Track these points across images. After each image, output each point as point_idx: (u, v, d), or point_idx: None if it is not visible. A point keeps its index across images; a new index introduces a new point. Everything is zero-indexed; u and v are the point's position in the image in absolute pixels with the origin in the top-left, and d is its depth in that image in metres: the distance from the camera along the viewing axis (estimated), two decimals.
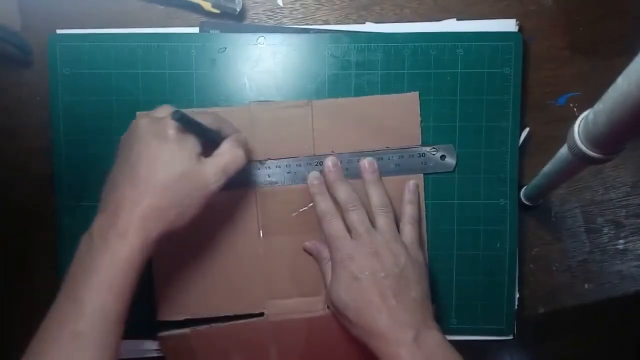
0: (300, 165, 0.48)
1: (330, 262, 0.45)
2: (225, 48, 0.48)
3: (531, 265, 0.51)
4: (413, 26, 0.49)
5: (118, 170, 0.40)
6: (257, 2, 0.51)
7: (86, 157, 0.48)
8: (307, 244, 0.48)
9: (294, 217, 0.48)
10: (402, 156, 0.48)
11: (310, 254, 0.48)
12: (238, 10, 0.49)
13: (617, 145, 0.31)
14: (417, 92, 0.48)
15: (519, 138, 0.49)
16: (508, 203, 0.49)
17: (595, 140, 0.31)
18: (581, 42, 0.51)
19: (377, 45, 0.48)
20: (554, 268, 0.51)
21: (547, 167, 0.41)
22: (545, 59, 0.50)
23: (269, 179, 0.48)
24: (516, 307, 0.49)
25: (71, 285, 0.37)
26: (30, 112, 0.50)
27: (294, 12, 0.51)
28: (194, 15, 0.50)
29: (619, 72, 0.26)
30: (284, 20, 0.51)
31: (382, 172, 0.48)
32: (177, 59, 0.48)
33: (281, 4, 0.51)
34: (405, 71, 0.48)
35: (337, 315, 0.44)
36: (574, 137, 0.32)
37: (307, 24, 0.51)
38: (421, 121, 0.48)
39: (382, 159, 0.48)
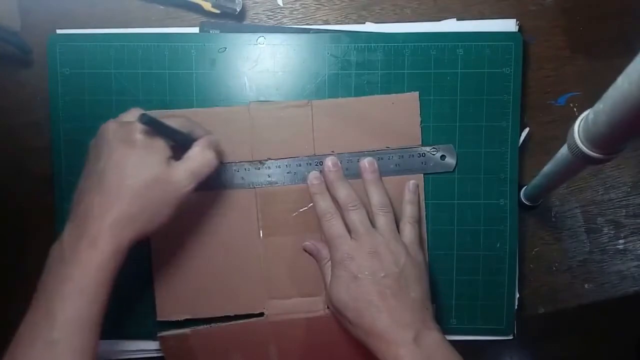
0: (300, 165, 0.48)
1: (330, 262, 0.45)
2: (225, 48, 0.48)
3: (531, 265, 0.51)
4: (413, 26, 0.49)
5: (86, 178, 0.39)
6: (257, 2, 0.51)
7: None
8: (307, 244, 0.48)
9: (294, 217, 0.48)
10: (402, 156, 0.48)
11: (310, 254, 0.48)
12: (238, 10, 0.49)
13: (617, 145, 0.31)
14: (417, 92, 0.48)
15: (519, 138, 0.49)
16: (508, 203, 0.49)
17: (595, 140, 0.31)
18: (581, 42, 0.51)
19: (377, 45, 0.48)
20: (554, 268, 0.51)
21: (547, 167, 0.41)
22: (545, 59, 0.50)
23: (269, 179, 0.48)
24: (516, 307, 0.49)
25: (43, 295, 0.37)
26: (30, 112, 0.50)
27: (294, 12, 0.51)
28: (194, 15, 0.50)
29: (619, 72, 0.26)
30: (284, 20, 0.51)
31: (382, 172, 0.48)
32: (177, 59, 0.48)
33: (281, 4, 0.51)
34: (405, 71, 0.48)
35: (337, 315, 0.44)
36: (574, 137, 0.32)
37: (307, 24, 0.51)
38: (421, 121, 0.48)
39: (382, 159, 0.48)
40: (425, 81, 0.48)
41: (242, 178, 0.48)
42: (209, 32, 0.49)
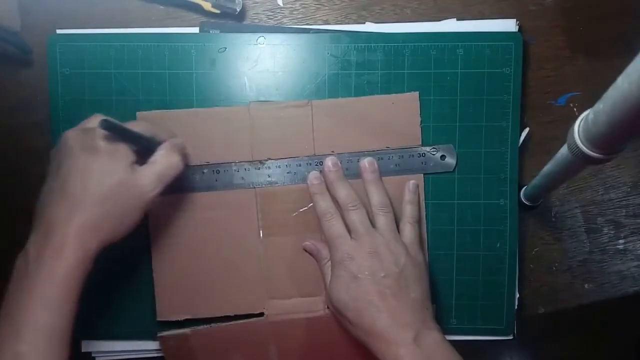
0: (300, 165, 0.48)
1: (330, 262, 0.45)
2: (225, 48, 0.48)
3: (531, 265, 0.51)
4: (413, 26, 0.49)
5: (50, 187, 0.39)
6: (257, 2, 0.51)
7: None
8: (307, 243, 0.48)
9: (294, 217, 0.48)
10: (402, 156, 0.48)
11: (310, 253, 0.48)
12: (238, 10, 0.49)
13: (617, 145, 0.31)
14: (417, 92, 0.48)
15: (519, 138, 0.49)
16: (508, 203, 0.49)
17: (595, 140, 0.31)
18: (581, 42, 0.51)
19: (377, 45, 0.48)
20: (554, 268, 0.51)
21: (547, 167, 0.41)
22: (545, 59, 0.50)
23: (269, 179, 0.48)
24: (516, 307, 0.49)
25: (8, 305, 0.36)
26: (30, 112, 0.50)
27: (294, 12, 0.51)
28: (194, 15, 0.50)
29: (619, 72, 0.26)
30: (284, 20, 0.51)
31: (382, 172, 0.48)
32: (177, 59, 0.48)
33: (281, 4, 0.51)
34: (405, 71, 0.48)
35: (337, 315, 0.44)
36: (574, 137, 0.32)
37: (307, 24, 0.51)
38: (421, 121, 0.48)
39: (382, 159, 0.48)
40: (425, 81, 0.48)
41: (242, 178, 0.48)
42: (209, 32, 0.49)
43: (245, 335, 0.48)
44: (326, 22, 0.51)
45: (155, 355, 0.49)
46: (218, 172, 0.48)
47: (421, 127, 0.48)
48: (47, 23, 0.49)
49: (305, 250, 0.48)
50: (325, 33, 0.49)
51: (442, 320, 0.49)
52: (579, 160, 0.33)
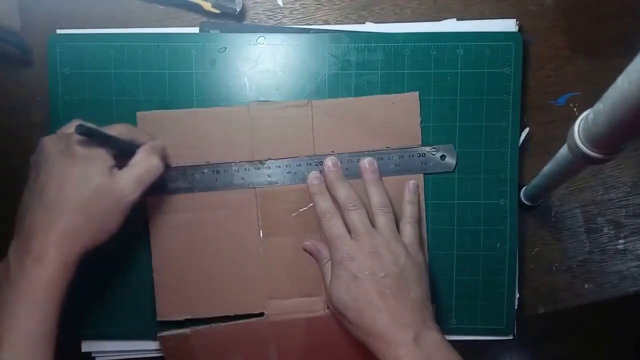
0: (300, 165, 0.48)
1: (330, 262, 0.45)
2: (225, 48, 0.48)
3: (531, 265, 0.51)
4: (413, 26, 0.49)
5: (29, 193, 0.39)
6: (257, 2, 0.51)
7: None
8: (307, 243, 0.48)
9: (294, 217, 0.48)
10: (402, 156, 0.48)
11: (310, 253, 0.48)
12: (238, 10, 0.49)
13: (617, 145, 0.31)
14: (417, 92, 0.48)
15: (519, 138, 0.49)
16: (508, 203, 0.49)
17: (595, 140, 0.31)
18: (581, 42, 0.51)
19: (377, 45, 0.48)
20: (554, 268, 0.51)
21: (547, 167, 0.41)
22: (545, 59, 0.50)
23: (269, 179, 0.48)
24: (516, 307, 0.49)
25: None
26: (30, 112, 0.50)
27: (294, 12, 0.51)
28: (194, 15, 0.50)
29: (619, 72, 0.26)
30: (284, 20, 0.51)
31: (382, 172, 0.48)
32: (177, 59, 0.48)
33: (281, 4, 0.51)
34: (405, 71, 0.48)
35: (337, 315, 0.44)
36: (574, 137, 0.32)
37: (307, 24, 0.51)
38: (421, 121, 0.48)
39: (382, 159, 0.48)
40: (425, 81, 0.48)
41: (242, 178, 0.48)
42: (209, 32, 0.49)
43: (245, 335, 0.48)
44: (326, 22, 0.51)
45: (155, 355, 0.49)
46: (218, 172, 0.48)
47: (421, 127, 0.48)
48: (47, 23, 0.49)
49: (305, 250, 0.48)
50: (325, 33, 0.49)
51: (442, 320, 0.49)
52: (579, 160, 0.33)
